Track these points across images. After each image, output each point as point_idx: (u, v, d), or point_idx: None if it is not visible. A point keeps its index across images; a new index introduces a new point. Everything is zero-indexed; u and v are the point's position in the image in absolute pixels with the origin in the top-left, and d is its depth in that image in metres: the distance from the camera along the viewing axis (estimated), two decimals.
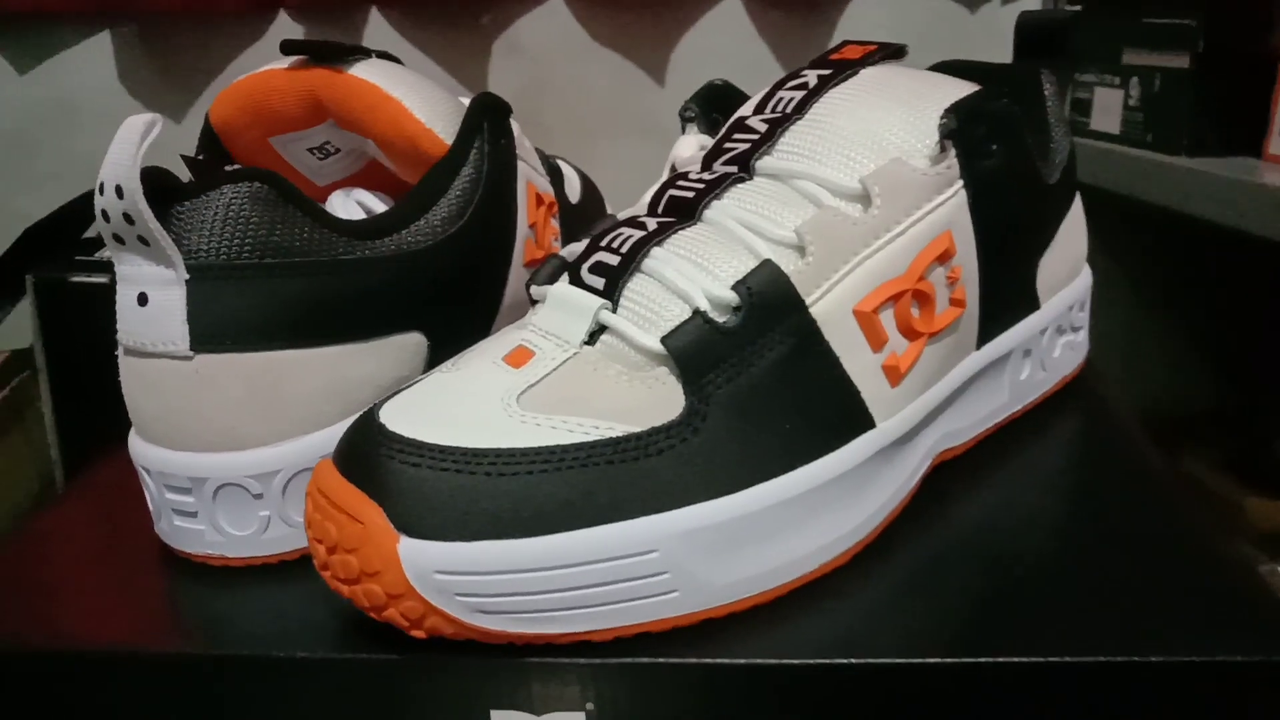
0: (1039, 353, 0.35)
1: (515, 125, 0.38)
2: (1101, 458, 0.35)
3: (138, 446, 0.30)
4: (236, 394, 0.29)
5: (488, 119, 0.34)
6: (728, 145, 0.31)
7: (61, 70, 0.78)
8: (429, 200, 0.33)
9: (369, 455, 0.25)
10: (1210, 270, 0.96)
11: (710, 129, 0.35)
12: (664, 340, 0.26)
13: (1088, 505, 0.32)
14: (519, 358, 0.27)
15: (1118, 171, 0.78)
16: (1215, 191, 0.67)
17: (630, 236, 0.29)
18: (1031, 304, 0.34)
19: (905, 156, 0.29)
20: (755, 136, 0.30)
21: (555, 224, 0.40)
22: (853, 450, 0.28)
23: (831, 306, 0.27)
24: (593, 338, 0.28)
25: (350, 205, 0.36)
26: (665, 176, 0.32)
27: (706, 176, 0.30)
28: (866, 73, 0.31)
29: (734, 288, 0.27)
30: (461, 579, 0.24)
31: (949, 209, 0.29)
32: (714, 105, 0.36)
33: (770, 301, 0.27)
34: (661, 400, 0.26)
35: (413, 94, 0.34)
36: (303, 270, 0.29)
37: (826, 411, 0.28)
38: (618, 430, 0.26)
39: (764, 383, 0.27)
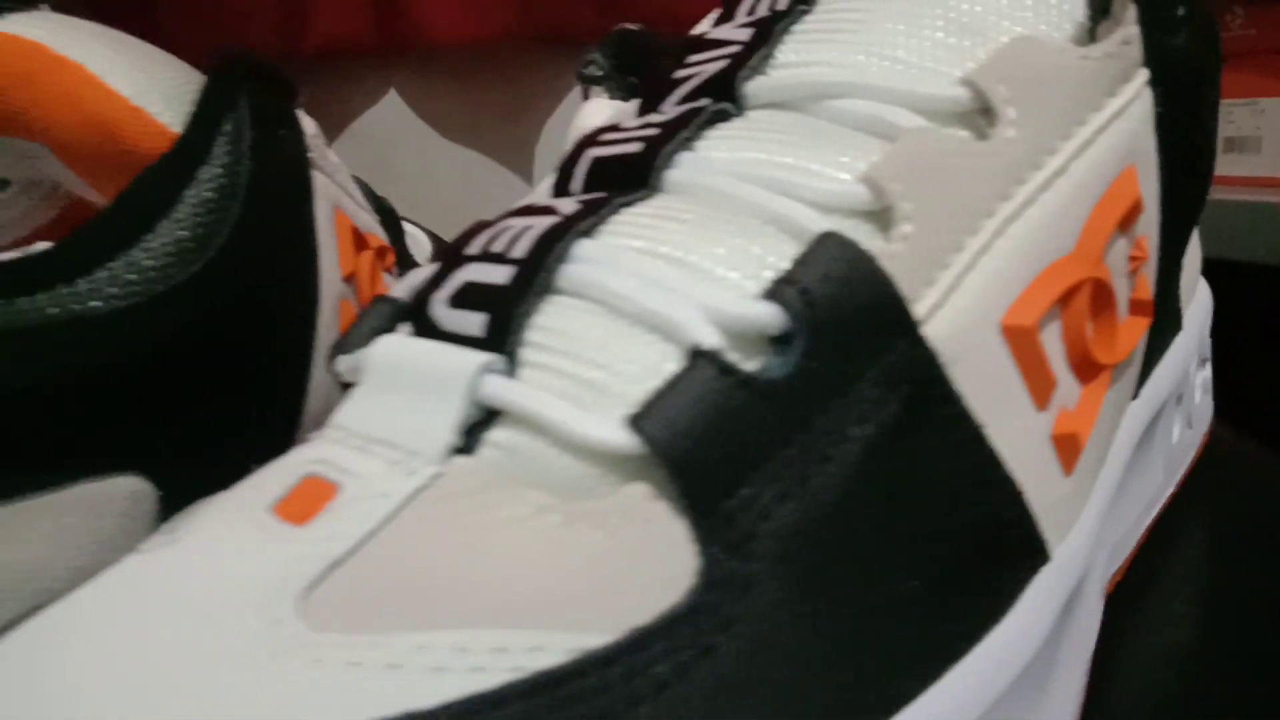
0: (1188, 398, 0.22)
1: (310, 122, 0.23)
2: None
3: None
4: None
5: (246, 92, 0.20)
6: (683, 74, 0.17)
7: None
8: (135, 227, 0.17)
9: None
10: None
11: (628, 94, 0.22)
12: (633, 423, 0.12)
13: None
14: (304, 503, 0.12)
15: None
16: None
17: (529, 229, 0.14)
18: (1174, 319, 0.21)
19: (1037, 32, 0.15)
20: (735, 49, 0.17)
21: (391, 282, 0.25)
22: (1025, 619, 0.14)
23: (960, 322, 0.13)
24: (471, 438, 0.13)
25: None
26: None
27: (657, 119, 0.16)
28: None
29: (771, 294, 0.12)
30: None
31: (1129, 124, 0.15)
32: (630, 60, 0.22)
33: (854, 317, 0.12)
34: (635, 566, 0.11)
35: (110, 54, 0.19)
36: None
37: (964, 544, 0.13)
38: (542, 658, 0.10)
39: (852, 499, 0.12)
